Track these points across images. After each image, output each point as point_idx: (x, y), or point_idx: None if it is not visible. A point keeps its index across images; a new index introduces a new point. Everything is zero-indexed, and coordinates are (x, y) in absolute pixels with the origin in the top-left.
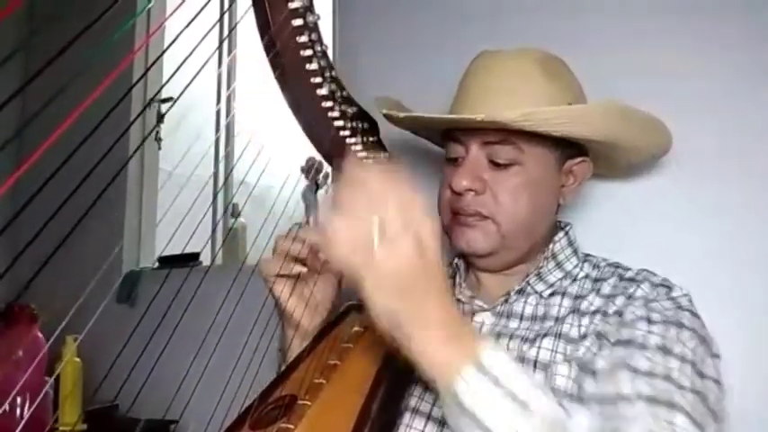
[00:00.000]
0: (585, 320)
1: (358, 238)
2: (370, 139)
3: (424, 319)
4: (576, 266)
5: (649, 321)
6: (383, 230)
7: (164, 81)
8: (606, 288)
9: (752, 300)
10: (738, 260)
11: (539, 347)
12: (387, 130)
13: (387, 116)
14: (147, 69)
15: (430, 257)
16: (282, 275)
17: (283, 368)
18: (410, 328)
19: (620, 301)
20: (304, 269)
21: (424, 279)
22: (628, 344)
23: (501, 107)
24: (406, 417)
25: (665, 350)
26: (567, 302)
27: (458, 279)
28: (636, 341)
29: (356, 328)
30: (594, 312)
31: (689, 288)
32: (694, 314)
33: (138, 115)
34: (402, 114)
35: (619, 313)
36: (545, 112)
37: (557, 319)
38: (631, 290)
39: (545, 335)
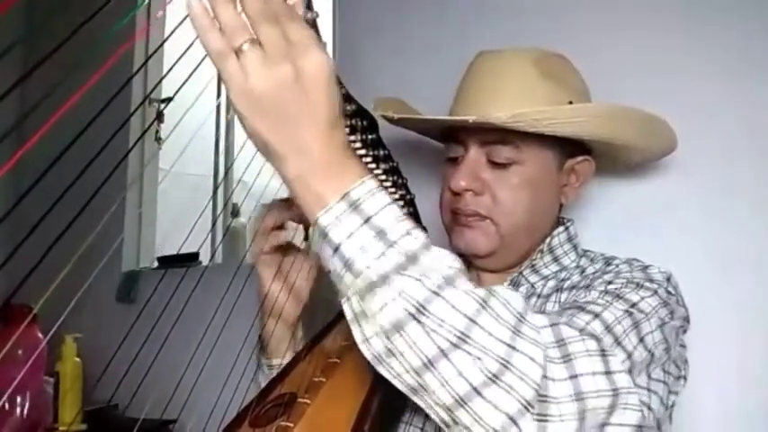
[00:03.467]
0: (564, 296)
1: (233, 34)
2: (370, 136)
3: (297, 148)
4: (573, 261)
5: (610, 283)
6: (265, 46)
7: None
8: (590, 270)
9: (753, 301)
10: (740, 261)
11: None
12: (387, 128)
13: (383, 117)
14: (144, 62)
15: (310, 90)
16: (268, 252)
17: (267, 361)
18: (282, 155)
19: (595, 275)
20: (287, 233)
21: (299, 108)
22: (581, 300)
23: (494, 108)
24: (407, 415)
25: (614, 294)
26: (551, 283)
27: None
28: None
29: None
30: (572, 288)
31: (691, 290)
32: (666, 289)
33: (134, 112)
34: (397, 116)
35: (587, 286)
36: (535, 113)
37: (539, 296)
38: (609, 268)
39: None
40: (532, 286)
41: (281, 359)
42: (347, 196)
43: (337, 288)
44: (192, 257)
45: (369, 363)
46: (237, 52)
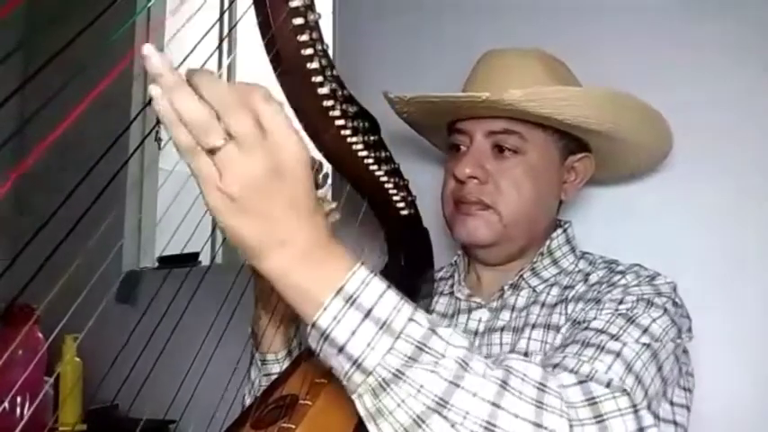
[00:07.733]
0: (570, 307)
1: (203, 132)
2: (372, 138)
3: (280, 242)
4: (572, 263)
5: (621, 302)
6: (238, 139)
7: None
8: (594, 278)
9: (749, 299)
10: (742, 260)
11: (528, 338)
12: (388, 130)
13: (396, 99)
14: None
15: (289, 180)
16: None
17: (261, 356)
18: (262, 252)
19: (602, 287)
20: None
21: (279, 201)
22: (593, 321)
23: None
24: None
25: (626, 317)
26: (555, 291)
27: (456, 277)
28: (600, 318)
29: None
30: (578, 299)
31: (692, 289)
32: (674, 301)
33: (138, 114)
34: (409, 96)
35: (596, 300)
36: (550, 91)
37: (543, 305)
38: (615, 279)
39: (533, 325)
40: (534, 290)
41: (274, 354)
42: (342, 291)
43: (343, 384)
44: (193, 257)
45: None
46: (210, 150)
